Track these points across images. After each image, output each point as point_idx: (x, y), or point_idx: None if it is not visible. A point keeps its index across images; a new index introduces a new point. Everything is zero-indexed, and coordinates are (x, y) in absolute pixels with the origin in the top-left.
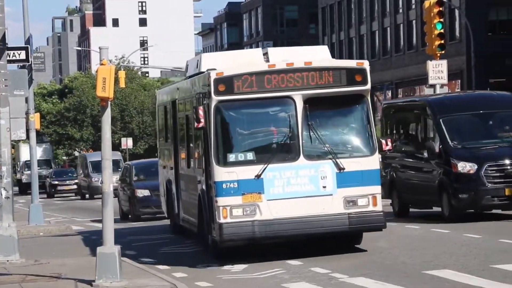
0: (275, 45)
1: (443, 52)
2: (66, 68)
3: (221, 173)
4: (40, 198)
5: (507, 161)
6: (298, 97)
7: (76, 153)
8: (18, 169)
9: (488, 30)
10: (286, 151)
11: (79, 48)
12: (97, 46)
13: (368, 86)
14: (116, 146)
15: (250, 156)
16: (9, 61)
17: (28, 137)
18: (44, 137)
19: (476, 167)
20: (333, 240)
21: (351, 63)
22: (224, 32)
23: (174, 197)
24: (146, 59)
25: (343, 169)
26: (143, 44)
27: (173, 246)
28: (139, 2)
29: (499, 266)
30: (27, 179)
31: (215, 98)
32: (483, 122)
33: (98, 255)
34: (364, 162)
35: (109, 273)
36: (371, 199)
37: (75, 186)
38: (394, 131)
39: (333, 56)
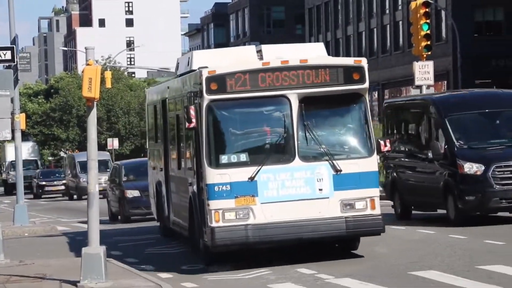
0: None
1: (429, 53)
2: (52, 68)
3: (213, 175)
4: (26, 198)
5: None
6: (293, 96)
7: (62, 154)
8: (4, 170)
9: (474, 31)
10: (281, 152)
11: (65, 49)
12: (83, 46)
13: (366, 85)
14: (102, 147)
15: (243, 157)
16: None
17: (13, 137)
18: (30, 137)
19: (483, 168)
20: (327, 244)
21: (349, 61)
22: (211, 32)
23: (164, 200)
24: (132, 59)
25: (340, 171)
26: (130, 44)
27: (159, 246)
28: (125, 2)
29: (484, 267)
30: (12, 180)
31: (207, 97)
32: (490, 121)
33: (83, 255)
34: (362, 164)
35: (94, 273)
36: (369, 202)
37: (63, 187)
38: (395, 131)
39: None
